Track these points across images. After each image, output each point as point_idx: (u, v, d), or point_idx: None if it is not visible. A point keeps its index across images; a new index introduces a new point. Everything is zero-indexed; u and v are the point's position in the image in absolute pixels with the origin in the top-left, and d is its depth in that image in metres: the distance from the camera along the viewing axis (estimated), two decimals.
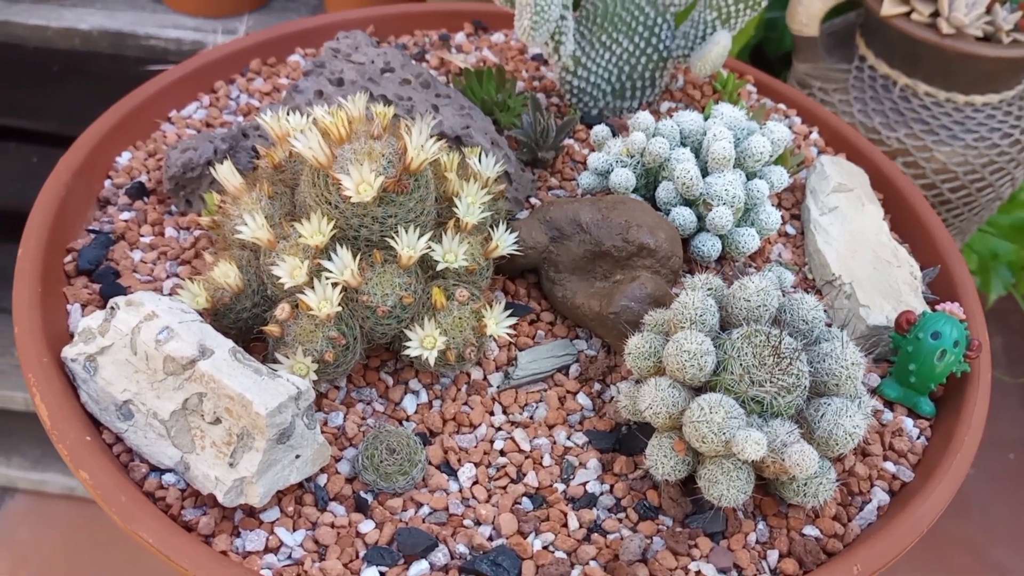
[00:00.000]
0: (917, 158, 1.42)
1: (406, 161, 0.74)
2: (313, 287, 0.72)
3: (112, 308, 0.74)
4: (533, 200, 0.96)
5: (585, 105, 1.07)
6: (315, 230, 0.73)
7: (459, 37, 1.19)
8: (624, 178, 0.89)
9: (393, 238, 0.74)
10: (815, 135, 1.11)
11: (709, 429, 0.66)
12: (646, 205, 0.84)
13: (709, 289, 0.75)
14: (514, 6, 0.96)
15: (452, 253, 0.77)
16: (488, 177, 0.84)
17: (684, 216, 0.88)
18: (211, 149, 0.88)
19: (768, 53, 1.80)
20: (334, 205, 0.74)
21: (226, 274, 0.74)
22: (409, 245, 0.74)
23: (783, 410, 0.69)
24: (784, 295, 0.74)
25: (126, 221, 0.89)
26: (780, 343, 0.69)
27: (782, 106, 1.14)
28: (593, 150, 1.04)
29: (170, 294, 0.83)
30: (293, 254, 0.74)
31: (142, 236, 0.88)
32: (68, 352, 0.74)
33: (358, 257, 0.73)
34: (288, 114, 0.82)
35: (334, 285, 0.72)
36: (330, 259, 0.73)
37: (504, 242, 0.79)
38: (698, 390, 0.71)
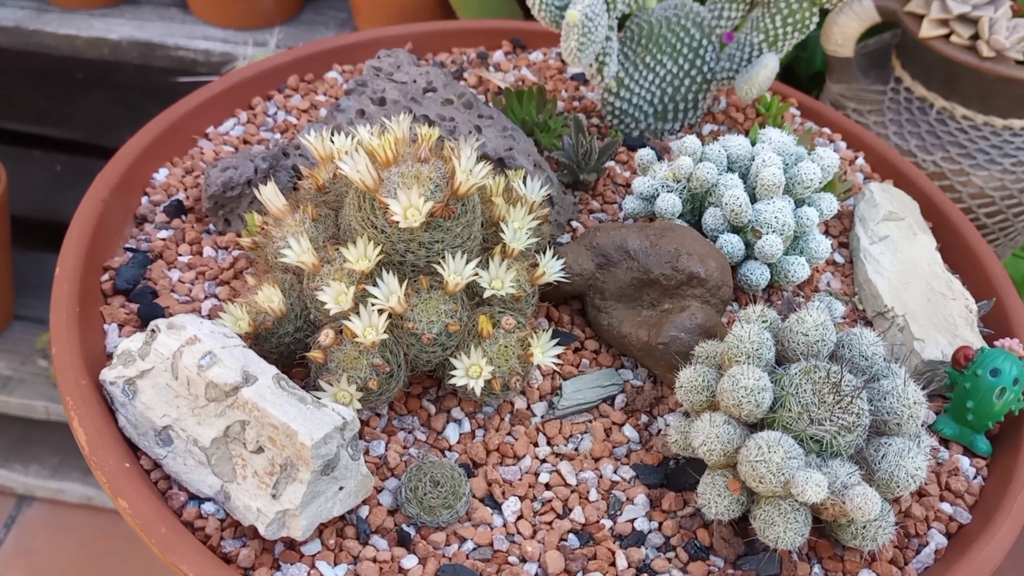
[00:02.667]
0: (953, 182, 1.39)
1: (454, 185, 0.72)
2: (358, 313, 0.71)
3: (153, 331, 0.72)
4: (575, 223, 0.94)
5: (626, 127, 1.06)
6: (361, 255, 0.71)
7: (497, 55, 1.17)
8: (670, 204, 0.87)
9: (439, 263, 0.72)
10: (861, 160, 1.08)
11: (768, 469, 0.64)
12: (695, 232, 0.82)
13: (764, 321, 0.73)
14: (559, 27, 0.94)
15: (499, 280, 0.75)
16: (534, 201, 0.82)
17: (732, 243, 0.86)
18: (251, 168, 0.86)
19: (798, 72, 1.78)
20: (380, 229, 0.72)
21: (270, 298, 0.72)
22: (456, 272, 0.72)
23: (843, 450, 0.67)
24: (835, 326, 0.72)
25: (164, 240, 0.87)
26: (841, 380, 0.67)
27: (826, 130, 1.12)
28: (635, 173, 1.02)
29: (209, 316, 0.81)
30: (338, 279, 0.72)
31: (180, 255, 0.86)
32: (107, 375, 0.72)
33: (404, 284, 0.71)
34: (332, 134, 0.81)
35: (380, 312, 0.71)
36: (376, 284, 0.72)
37: (551, 269, 0.77)
38: (753, 426, 0.69)
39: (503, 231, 0.76)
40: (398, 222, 0.70)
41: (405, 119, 0.82)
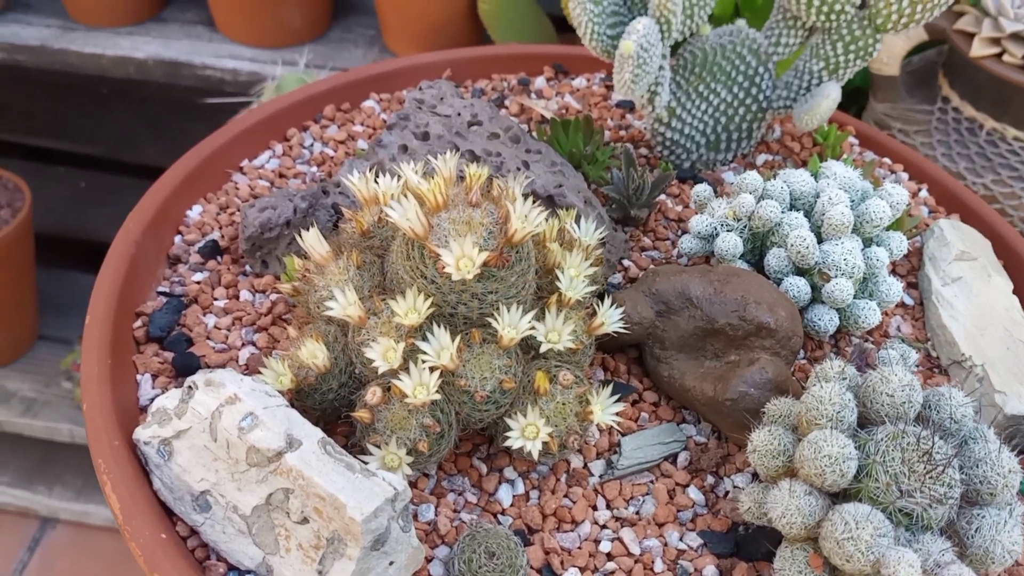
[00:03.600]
0: (1004, 205, 1.33)
1: (508, 233, 0.68)
2: (408, 371, 0.66)
3: (190, 388, 0.68)
4: (626, 262, 0.90)
5: (677, 157, 1.01)
6: (410, 308, 0.67)
7: (539, 82, 1.13)
8: (731, 244, 0.82)
9: (493, 316, 0.68)
10: (924, 193, 1.03)
11: (856, 548, 0.58)
12: (762, 279, 0.77)
13: (843, 379, 0.68)
14: (611, 56, 0.90)
15: (556, 332, 0.70)
16: (589, 245, 0.77)
17: (798, 287, 0.81)
18: (290, 208, 0.82)
19: None
20: (430, 280, 0.68)
21: (313, 354, 0.68)
22: (511, 325, 0.68)
23: (933, 523, 0.62)
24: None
25: (199, 283, 0.83)
26: (932, 447, 0.61)
27: (887, 160, 1.06)
28: (687, 207, 0.97)
29: (247, 366, 0.77)
30: (385, 333, 0.68)
31: (216, 300, 0.82)
32: (141, 434, 0.68)
33: (456, 340, 0.66)
34: (376, 175, 0.77)
35: (431, 369, 0.66)
36: (425, 339, 0.67)
37: (610, 319, 0.73)
38: (835, 496, 0.64)
39: (559, 279, 0.72)
40: (450, 273, 0.66)
41: (452, 158, 0.77)
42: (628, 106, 1.09)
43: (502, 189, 0.78)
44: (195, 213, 0.91)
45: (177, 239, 0.88)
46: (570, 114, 1.08)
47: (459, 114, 0.90)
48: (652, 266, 0.90)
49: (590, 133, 0.99)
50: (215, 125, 1.73)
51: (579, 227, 0.78)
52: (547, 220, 0.73)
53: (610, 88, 1.13)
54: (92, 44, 1.79)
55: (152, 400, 0.74)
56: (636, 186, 0.91)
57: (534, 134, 1.00)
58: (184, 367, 0.76)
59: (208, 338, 0.79)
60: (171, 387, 0.75)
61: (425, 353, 0.66)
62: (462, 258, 0.66)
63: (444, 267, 0.66)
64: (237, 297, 0.83)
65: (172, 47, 1.80)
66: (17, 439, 2.02)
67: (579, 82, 1.13)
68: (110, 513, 2.03)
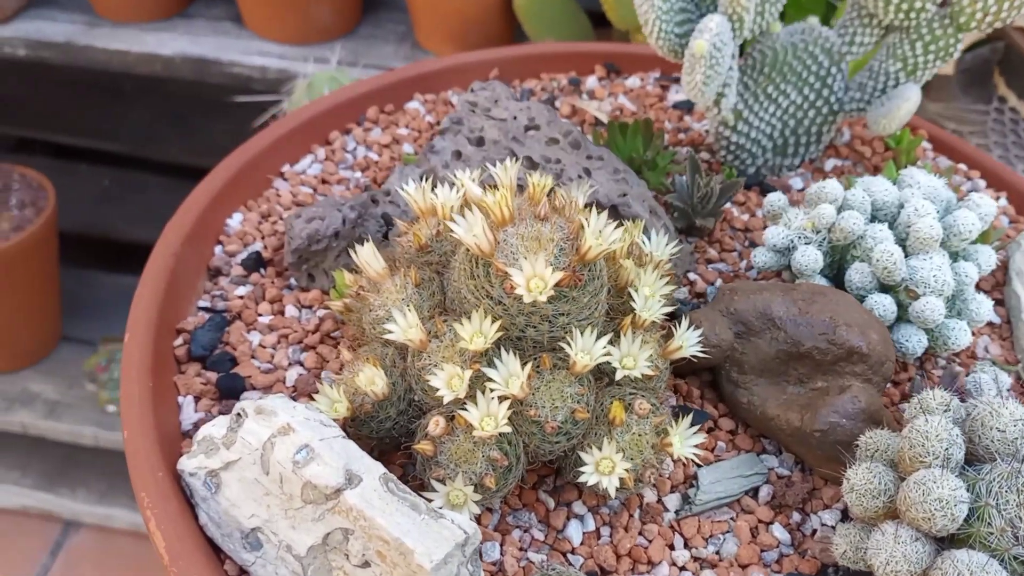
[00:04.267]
0: None
1: (582, 251, 0.62)
2: (474, 399, 0.61)
3: (239, 415, 0.63)
4: (691, 275, 0.84)
5: (742, 162, 0.95)
6: (476, 331, 0.62)
7: (590, 82, 1.07)
8: (811, 259, 0.77)
9: (566, 339, 0.63)
10: (1003, 202, 0.97)
11: None
12: (850, 298, 0.72)
13: (946, 411, 0.62)
14: (679, 56, 0.84)
15: (631, 357, 0.65)
16: (661, 260, 0.72)
17: (884, 305, 0.75)
18: (339, 218, 0.77)
19: None
20: (496, 300, 0.63)
21: (372, 381, 0.63)
22: (585, 350, 0.63)
23: None
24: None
25: (242, 297, 0.78)
26: None
27: (962, 166, 1.00)
28: (753, 215, 0.92)
29: (294, 388, 0.72)
30: (448, 358, 0.63)
31: (260, 315, 0.77)
32: (186, 464, 0.63)
33: (527, 368, 0.61)
34: (432, 184, 0.72)
35: (500, 399, 0.61)
36: (492, 365, 0.62)
37: (687, 342, 0.67)
38: (941, 539, 0.58)
39: (632, 298, 0.66)
40: (520, 295, 0.60)
41: (513, 165, 0.72)
42: (686, 107, 1.04)
43: (565, 199, 0.73)
44: (235, 222, 0.86)
45: (217, 250, 0.83)
46: (625, 116, 1.02)
47: (515, 117, 0.85)
48: (720, 280, 0.84)
49: (649, 137, 0.93)
50: (240, 122, 1.69)
51: (649, 241, 0.73)
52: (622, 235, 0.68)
53: (665, 88, 1.07)
54: (118, 40, 1.75)
55: (195, 425, 0.69)
56: (702, 194, 0.86)
57: (589, 137, 0.95)
58: (229, 389, 0.71)
59: (253, 357, 0.74)
60: (215, 410, 0.70)
61: (493, 381, 0.61)
62: (533, 278, 0.61)
63: (513, 287, 0.61)
64: (282, 313, 0.78)
65: (199, 44, 1.75)
66: (40, 441, 1.99)
67: (632, 82, 1.07)
68: (135, 517, 2.00)
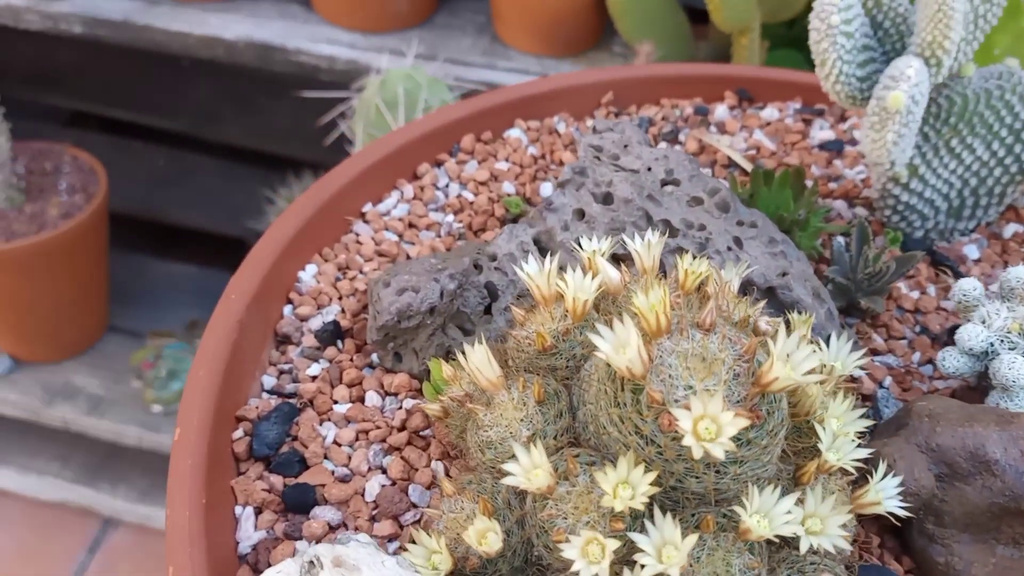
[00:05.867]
0: None
1: (763, 380, 0.48)
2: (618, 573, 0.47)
3: (312, 564, 0.50)
4: (857, 371, 0.69)
5: (909, 224, 0.79)
6: (622, 481, 0.48)
7: (720, 111, 0.92)
8: (1022, 373, 0.61)
9: (739, 497, 0.48)
10: None
11: None
12: None
13: None
14: (857, 103, 0.69)
15: (817, 519, 0.50)
16: (842, 376, 0.57)
17: None
18: (436, 291, 0.63)
19: None
20: (648, 439, 0.48)
21: (484, 537, 0.49)
22: (762, 512, 0.48)
23: None
24: None
25: (315, 378, 0.65)
26: None
27: None
28: (924, 292, 0.76)
29: (375, 505, 0.59)
30: (582, 508, 0.49)
31: (336, 403, 0.64)
32: None
33: (690, 540, 0.47)
34: (553, 260, 0.57)
35: None
36: (642, 528, 0.48)
37: (884, 493, 0.53)
38: None
39: (817, 435, 0.52)
40: (682, 438, 0.46)
41: (657, 241, 0.58)
42: (835, 149, 0.88)
43: (717, 284, 0.58)
44: (309, 276, 0.72)
45: (287, 310, 0.70)
46: (762, 155, 0.87)
47: (649, 168, 0.70)
48: (889, 378, 0.69)
49: (800, 189, 0.78)
50: (303, 106, 1.55)
51: (827, 346, 0.58)
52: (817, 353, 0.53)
53: (808, 123, 0.92)
54: (179, 21, 1.63)
55: (254, 548, 0.57)
56: (872, 271, 0.70)
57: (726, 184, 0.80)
58: (296, 503, 0.58)
59: (326, 457, 0.61)
60: (279, 527, 0.57)
61: (643, 551, 0.47)
62: (701, 419, 0.47)
63: (674, 427, 0.46)
64: (362, 400, 0.65)
65: (265, 28, 1.62)
66: (81, 436, 1.90)
67: (769, 113, 0.92)
68: None
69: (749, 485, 0.48)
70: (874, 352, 0.71)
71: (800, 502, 0.50)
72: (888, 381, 0.69)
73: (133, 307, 2.04)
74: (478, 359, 0.53)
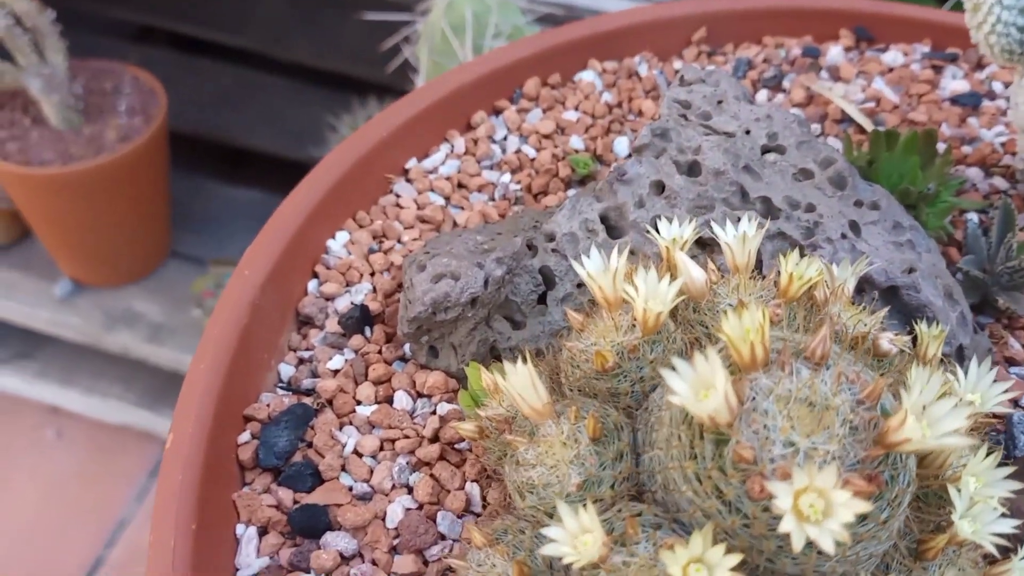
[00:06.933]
0: None
1: (888, 438, 0.37)
2: None
3: None
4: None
5: None
6: (694, 559, 0.37)
7: (833, 53, 0.77)
8: None
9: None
10: None
11: None
12: None
13: None
14: (1015, 60, 0.54)
15: None
16: (979, 414, 0.45)
17: None
18: (479, 279, 0.53)
19: None
20: (733, 507, 0.38)
21: None
22: None
23: None
24: None
25: (336, 373, 0.56)
26: None
27: None
28: None
29: (396, 533, 0.50)
30: None
31: (359, 404, 0.55)
32: None
33: None
34: (629, 251, 0.46)
35: None
36: None
37: None
38: None
39: (952, 501, 0.40)
40: (776, 516, 0.35)
41: (754, 233, 0.47)
42: (971, 103, 0.73)
43: (828, 287, 0.47)
44: (339, 245, 0.62)
45: (311, 286, 0.60)
46: (883, 108, 0.73)
47: (748, 132, 0.57)
48: None
49: (930, 155, 0.64)
50: (371, 26, 1.44)
51: (964, 374, 0.46)
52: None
53: (937, 70, 0.77)
54: None
55: None
56: (1016, 265, 0.57)
57: (840, 151, 0.66)
58: (306, 527, 0.49)
59: (344, 470, 0.52)
60: (284, 554, 0.49)
61: None
62: (805, 493, 0.35)
63: (767, 494, 0.36)
64: (390, 401, 0.55)
65: None
66: (142, 363, 1.89)
67: (892, 57, 0.77)
68: None
69: (859, 568, 0.38)
70: (1010, 362, 0.58)
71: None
72: None
73: (195, 232, 2.00)
74: (520, 383, 0.43)
